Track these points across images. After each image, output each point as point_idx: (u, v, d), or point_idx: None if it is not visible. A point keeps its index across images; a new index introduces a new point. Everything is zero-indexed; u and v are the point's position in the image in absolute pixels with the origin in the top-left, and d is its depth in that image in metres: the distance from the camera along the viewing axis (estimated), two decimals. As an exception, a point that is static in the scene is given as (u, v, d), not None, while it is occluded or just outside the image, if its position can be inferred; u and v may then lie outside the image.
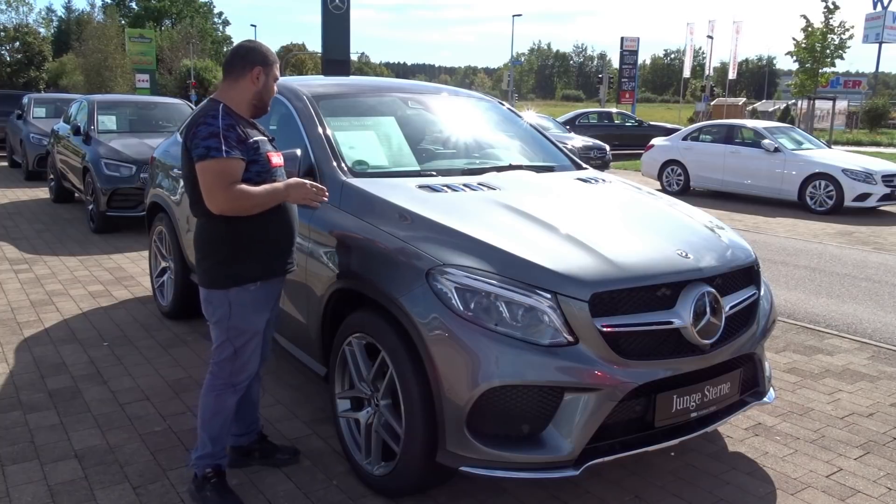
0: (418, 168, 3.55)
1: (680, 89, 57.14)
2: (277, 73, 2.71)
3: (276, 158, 2.68)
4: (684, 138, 13.88)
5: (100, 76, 42.97)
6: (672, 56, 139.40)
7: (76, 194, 9.79)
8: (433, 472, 2.61)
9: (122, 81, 42.34)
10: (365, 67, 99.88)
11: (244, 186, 2.48)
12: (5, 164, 15.34)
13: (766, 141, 12.17)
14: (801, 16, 25.47)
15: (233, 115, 2.56)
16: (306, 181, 2.64)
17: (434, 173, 3.43)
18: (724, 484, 2.97)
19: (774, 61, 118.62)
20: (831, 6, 25.00)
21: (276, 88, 2.73)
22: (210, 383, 2.69)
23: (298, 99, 3.66)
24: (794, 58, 26.61)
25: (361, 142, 3.74)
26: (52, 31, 70.33)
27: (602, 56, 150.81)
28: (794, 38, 26.01)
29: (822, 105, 29.25)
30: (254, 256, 2.60)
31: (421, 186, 3.15)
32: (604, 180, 3.71)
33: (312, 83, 4.01)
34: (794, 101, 35.97)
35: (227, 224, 2.53)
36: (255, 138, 2.58)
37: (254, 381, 2.91)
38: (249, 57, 2.63)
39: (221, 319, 2.62)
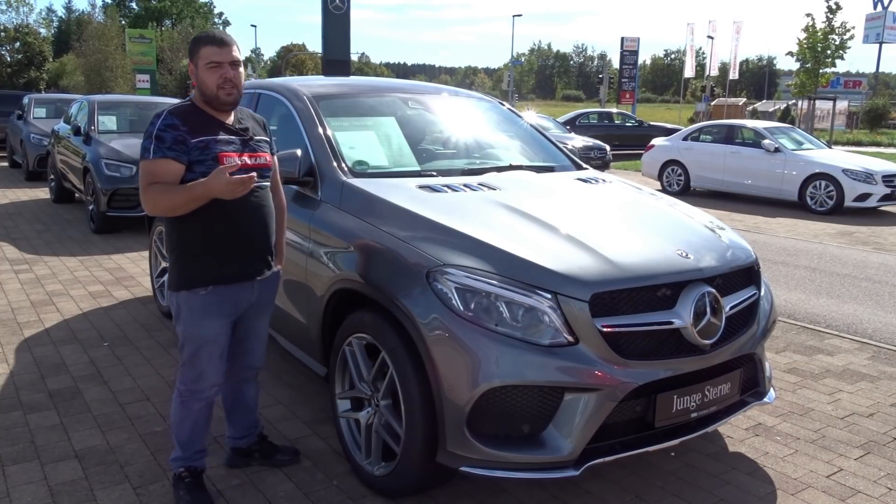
0: (418, 168, 3.55)
1: (680, 89, 57.14)
2: (213, 56, 2.44)
3: (233, 160, 2.46)
4: (684, 138, 13.88)
5: (100, 76, 42.94)
6: (672, 56, 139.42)
7: (76, 194, 9.80)
8: (433, 473, 2.61)
9: (122, 82, 42.30)
10: (365, 68, 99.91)
11: (162, 186, 2.38)
12: (5, 164, 15.35)
13: (766, 141, 12.17)
14: (807, 14, 25.47)
15: (186, 114, 2.46)
16: (225, 171, 2.33)
17: (434, 173, 3.44)
18: (724, 484, 2.97)
19: (775, 61, 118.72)
20: (833, 6, 25.00)
21: (222, 74, 2.45)
22: (176, 388, 2.66)
23: (298, 99, 3.66)
24: (796, 57, 26.60)
25: (362, 142, 3.74)
26: (53, 31, 70.32)
27: (602, 56, 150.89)
28: (797, 38, 26.02)
29: (823, 105, 29.26)
30: (200, 259, 2.51)
31: (421, 187, 3.15)
32: (604, 180, 3.71)
33: (312, 83, 4.01)
34: (794, 101, 35.97)
35: (174, 225, 2.50)
36: (202, 138, 2.44)
37: (249, 385, 2.89)
38: (189, 54, 2.54)
39: (176, 322, 2.60)
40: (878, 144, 27.56)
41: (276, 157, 2.84)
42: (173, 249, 2.55)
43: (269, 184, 2.71)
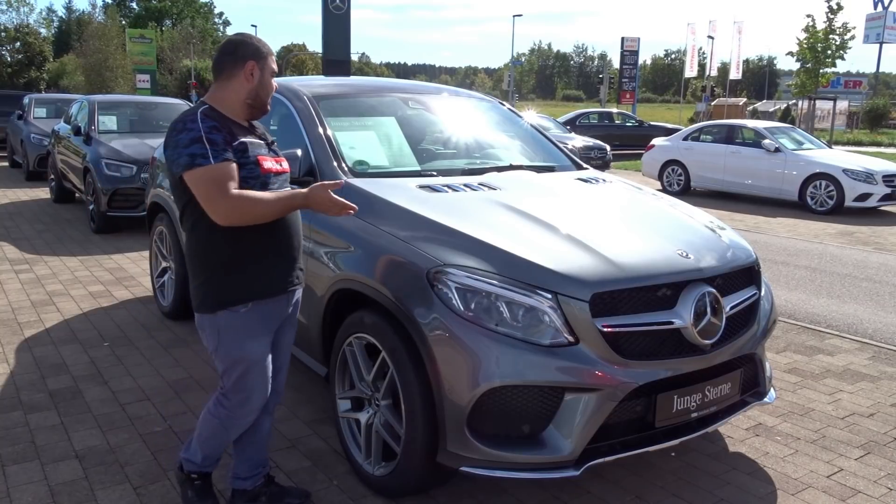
0: (419, 168, 3.55)
1: (680, 89, 57.12)
2: (273, 66, 2.43)
3: (270, 164, 2.39)
4: (685, 138, 13.88)
5: (100, 76, 42.96)
6: (673, 56, 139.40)
7: (77, 194, 9.80)
8: (434, 473, 2.61)
9: (122, 82, 42.33)
10: (365, 68, 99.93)
11: (250, 192, 2.23)
12: (6, 164, 15.35)
13: (766, 141, 12.17)
14: (808, 16, 25.52)
15: (216, 117, 2.31)
16: (328, 188, 2.30)
17: (434, 173, 3.44)
18: (724, 484, 2.96)
19: (775, 61, 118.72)
20: (834, 6, 25.01)
21: (275, 84, 2.46)
22: (214, 409, 2.47)
23: (299, 99, 3.66)
24: (797, 57, 26.63)
25: (362, 142, 3.74)
26: (53, 31, 70.35)
27: (602, 56, 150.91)
28: (797, 38, 26.05)
29: (823, 105, 29.23)
30: (243, 273, 2.33)
31: (421, 186, 3.15)
32: (604, 180, 3.71)
33: (313, 83, 4.01)
34: (794, 101, 35.97)
35: (212, 236, 2.29)
36: (241, 139, 2.31)
37: (263, 417, 2.60)
38: (240, 51, 2.35)
39: (216, 348, 2.40)
40: (879, 144, 27.55)
41: None
42: (205, 266, 2.34)
43: None
